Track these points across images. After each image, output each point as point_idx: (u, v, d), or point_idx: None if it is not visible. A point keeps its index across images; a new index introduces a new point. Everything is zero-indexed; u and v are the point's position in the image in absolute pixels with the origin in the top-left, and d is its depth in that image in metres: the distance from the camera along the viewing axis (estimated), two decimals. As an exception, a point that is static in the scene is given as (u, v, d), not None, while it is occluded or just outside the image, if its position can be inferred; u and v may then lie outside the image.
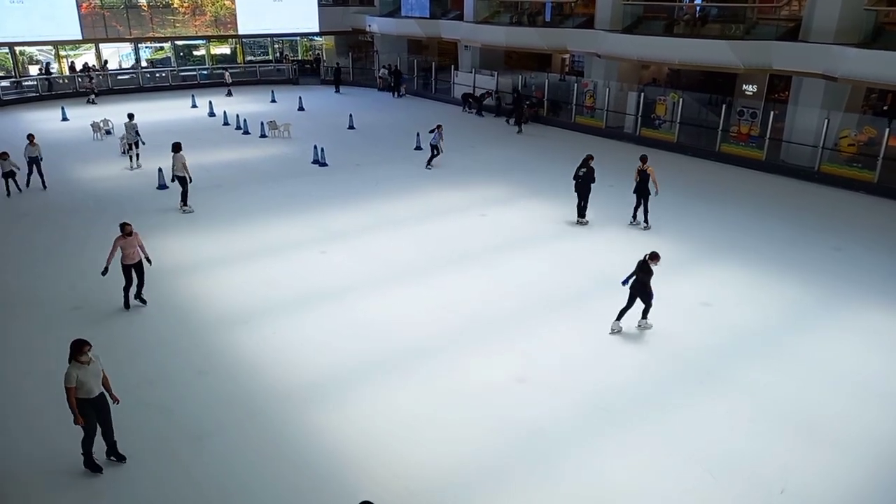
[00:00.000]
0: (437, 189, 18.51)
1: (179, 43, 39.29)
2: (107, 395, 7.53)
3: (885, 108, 23.36)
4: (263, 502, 7.19)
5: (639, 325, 10.74)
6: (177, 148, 16.31)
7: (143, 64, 38.65)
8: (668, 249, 14.18)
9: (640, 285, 10.35)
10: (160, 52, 39.88)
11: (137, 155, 20.90)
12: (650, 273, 10.32)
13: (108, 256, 10.91)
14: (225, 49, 41.85)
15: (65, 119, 27.99)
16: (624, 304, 10.51)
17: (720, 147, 22.08)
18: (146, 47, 38.97)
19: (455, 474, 7.56)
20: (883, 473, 7.65)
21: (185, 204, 16.57)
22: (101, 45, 36.94)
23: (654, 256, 10.35)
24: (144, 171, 19.78)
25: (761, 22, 22.99)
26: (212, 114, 29.32)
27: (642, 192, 15.07)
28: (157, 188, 18.27)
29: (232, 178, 19.25)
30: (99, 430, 7.49)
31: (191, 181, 16.56)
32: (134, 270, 11.19)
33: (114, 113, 27.97)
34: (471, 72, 32.24)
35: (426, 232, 15.26)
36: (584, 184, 15.30)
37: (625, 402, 8.88)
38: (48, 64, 35.97)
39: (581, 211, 15.63)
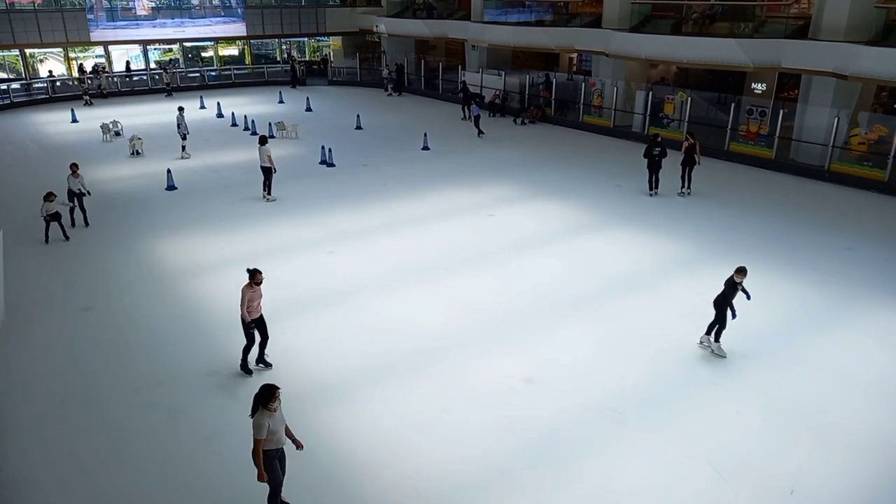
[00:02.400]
0: (444, 189, 18.50)
1: (188, 44, 39.49)
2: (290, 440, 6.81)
3: (895, 105, 23.17)
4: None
5: (700, 342, 10.07)
6: (263, 141, 17.18)
7: (152, 66, 38.90)
8: (678, 249, 14.16)
9: (720, 299, 9.73)
10: (169, 53, 40.08)
11: (184, 146, 22.13)
12: (733, 289, 9.64)
13: (242, 307, 9.19)
14: (233, 50, 42.06)
15: (74, 121, 28.14)
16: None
17: (729, 146, 21.96)
18: (155, 49, 39.16)
19: (465, 475, 7.54)
20: (892, 475, 7.57)
21: (268, 193, 17.40)
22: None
23: (739, 271, 9.63)
24: (154, 172, 19.81)
25: (770, 20, 22.87)
26: (220, 115, 29.43)
27: (688, 163, 17.45)
28: (166, 189, 18.34)
29: (240, 178, 19.31)
30: None
31: (275, 171, 17.31)
32: (255, 326, 9.49)
33: (123, 114, 28.14)
34: (478, 71, 32.20)
35: (435, 232, 15.26)
36: (660, 160, 17.37)
37: (635, 404, 8.84)
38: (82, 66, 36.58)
39: (657, 183, 17.74)
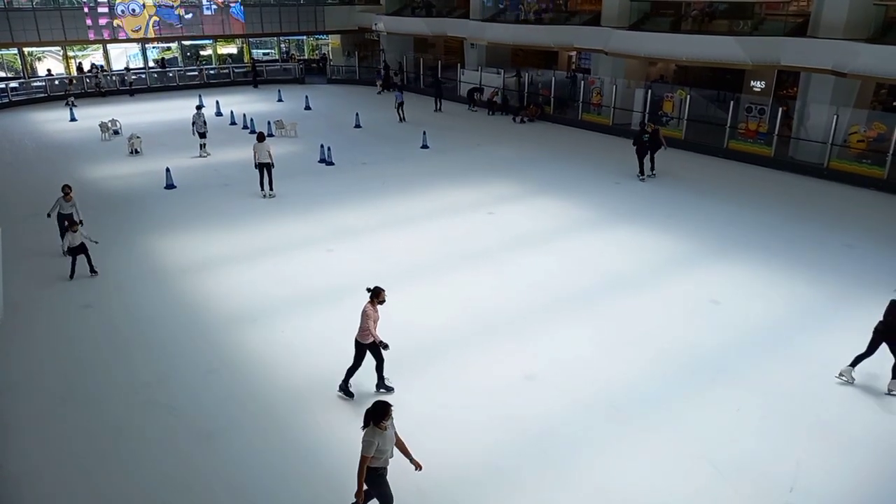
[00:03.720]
0: (443, 187, 18.50)
1: (186, 43, 39.46)
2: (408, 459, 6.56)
3: (894, 103, 23.17)
4: (271, 499, 7.21)
5: (889, 390, 8.88)
6: (261, 137, 17.25)
7: (151, 64, 38.89)
8: (677, 246, 14.17)
9: (884, 328, 8.69)
10: (167, 51, 40.06)
11: (204, 144, 22.18)
12: None
13: (372, 329, 8.46)
14: (231, 48, 42.04)
15: (73, 119, 28.11)
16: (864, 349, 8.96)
17: (728, 144, 21.95)
18: (153, 47, 39.14)
19: (466, 472, 7.55)
20: (890, 472, 7.60)
21: (270, 189, 17.53)
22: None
23: None
24: (153, 170, 19.81)
25: (769, 17, 22.88)
26: (219, 113, 29.40)
27: (652, 147, 18.86)
28: (165, 188, 18.32)
29: (239, 176, 19.29)
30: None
31: (273, 167, 17.40)
32: (370, 351, 8.76)
33: (122, 113, 28.12)
34: (477, 69, 32.19)
35: (434, 230, 15.25)
36: (648, 147, 18.65)
37: (635, 401, 8.85)
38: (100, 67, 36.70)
39: (643, 168, 18.99)
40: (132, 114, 28.87)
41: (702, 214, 16.19)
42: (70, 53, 36.85)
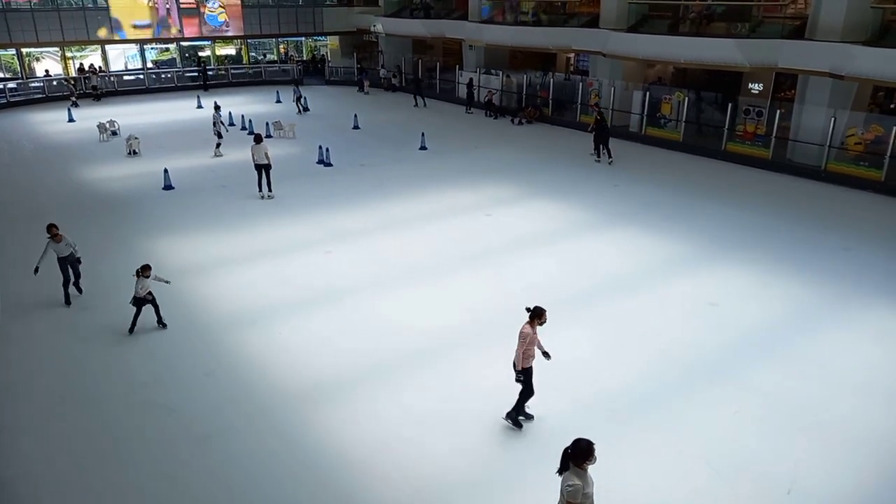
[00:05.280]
0: (442, 189, 18.51)
1: (184, 44, 39.43)
2: None
3: (892, 105, 23.25)
4: (268, 500, 7.20)
5: None
6: (258, 139, 17.32)
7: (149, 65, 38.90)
8: (676, 248, 14.19)
9: None
10: (165, 53, 40.04)
11: (219, 144, 22.40)
12: None
13: (524, 355, 7.99)
14: (230, 50, 42.03)
15: (71, 120, 28.08)
16: None
17: (726, 146, 21.98)
18: (152, 48, 39.10)
19: (464, 473, 7.55)
20: (890, 472, 7.61)
21: (269, 190, 17.54)
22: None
23: None
24: (151, 171, 19.78)
25: (767, 20, 22.90)
26: (217, 114, 29.39)
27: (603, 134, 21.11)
28: (163, 189, 18.31)
29: (237, 178, 19.29)
30: None
31: (271, 168, 17.42)
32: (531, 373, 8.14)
33: (120, 114, 28.09)
34: (475, 71, 32.21)
35: (431, 232, 15.25)
36: (604, 133, 21.00)
37: (634, 402, 8.86)
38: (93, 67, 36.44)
39: (598, 151, 21.40)
40: (130, 115, 28.84)
41: (699, 216, 16.21)
42: (69, 54, 36.78)
